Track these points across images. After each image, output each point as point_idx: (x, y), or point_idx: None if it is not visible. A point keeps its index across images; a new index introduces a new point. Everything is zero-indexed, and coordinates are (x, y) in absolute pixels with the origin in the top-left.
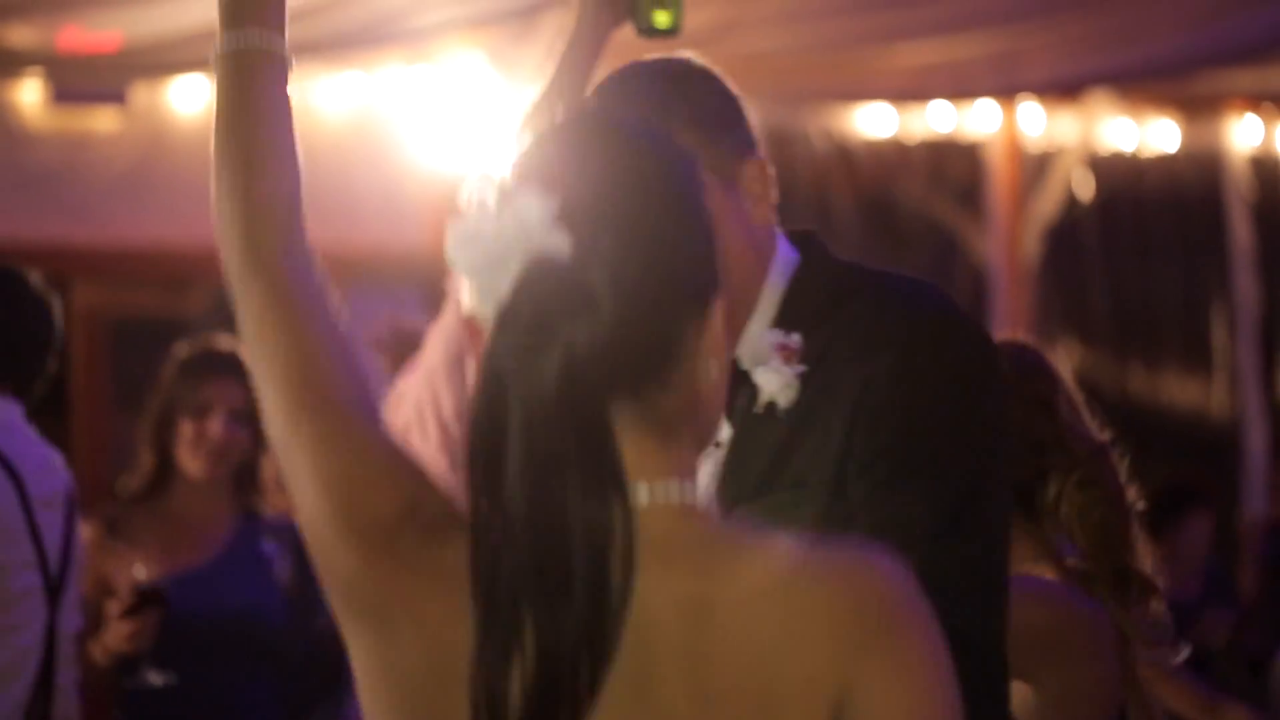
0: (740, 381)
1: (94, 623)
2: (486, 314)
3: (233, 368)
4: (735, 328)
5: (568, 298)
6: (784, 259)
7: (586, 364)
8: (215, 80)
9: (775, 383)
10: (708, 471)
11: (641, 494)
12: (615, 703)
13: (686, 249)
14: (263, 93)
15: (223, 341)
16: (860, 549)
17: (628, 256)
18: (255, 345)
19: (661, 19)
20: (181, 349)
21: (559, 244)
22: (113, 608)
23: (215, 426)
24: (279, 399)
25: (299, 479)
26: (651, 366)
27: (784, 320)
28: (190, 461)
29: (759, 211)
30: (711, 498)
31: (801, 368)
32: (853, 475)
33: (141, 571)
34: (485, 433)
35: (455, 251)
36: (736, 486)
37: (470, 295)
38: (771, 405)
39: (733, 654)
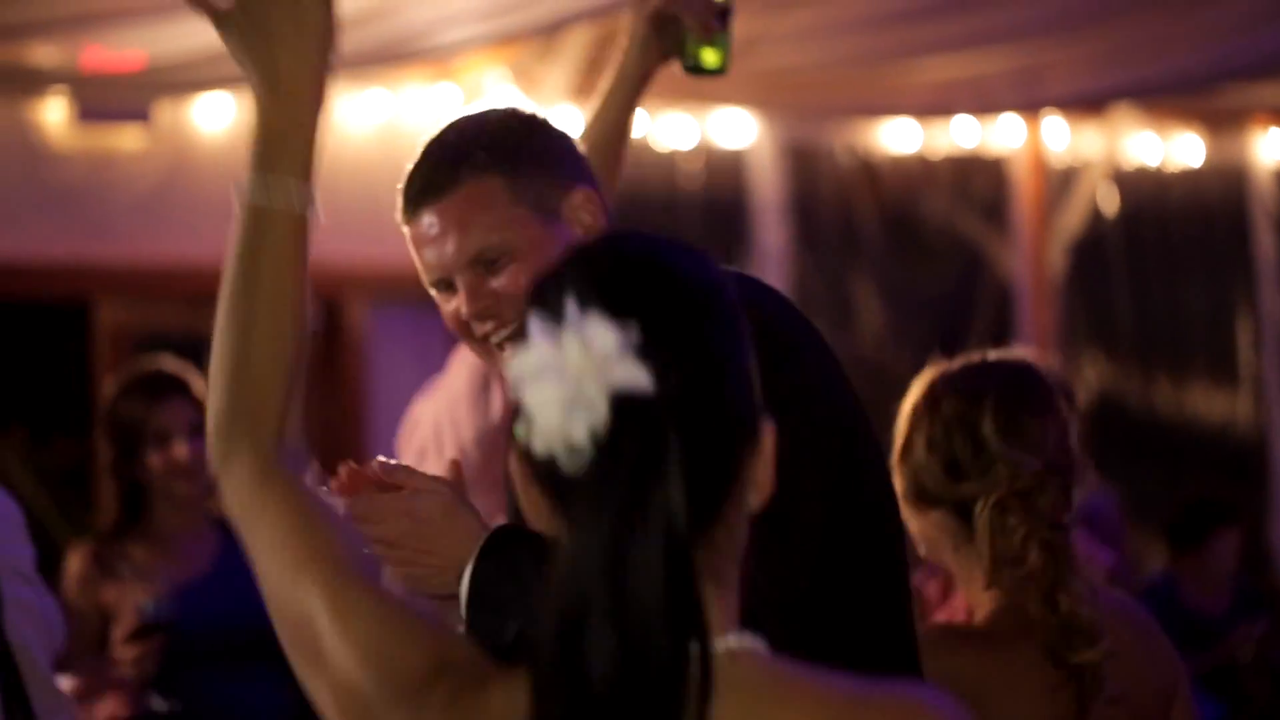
0: None
1: (89, 652)
2: (551, 447)
3: (179, 386)
4: None
5: (660, 444)
6: None
7: (684, 518)
8: (236, 225)
9: None
10: None
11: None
12: None
13: (746, 378)
14: (278, 256)
15: (164, 362)
16: (916, 689)
17: (704, 392)
18: (248, 518)
19: (709, 58)
20: (121, 375)
21: (640, 380)
22: (117, 634)
23: (181, 451)
24: (283, 569)
25: (320, 646)
26: (723, 511)
27: None
28: (169, 487)
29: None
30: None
31: None
32: None
33: (146, 600)
34: (573, 587)
35: (524, 384)
36: None
37: (534, 428)
38: None
39: None
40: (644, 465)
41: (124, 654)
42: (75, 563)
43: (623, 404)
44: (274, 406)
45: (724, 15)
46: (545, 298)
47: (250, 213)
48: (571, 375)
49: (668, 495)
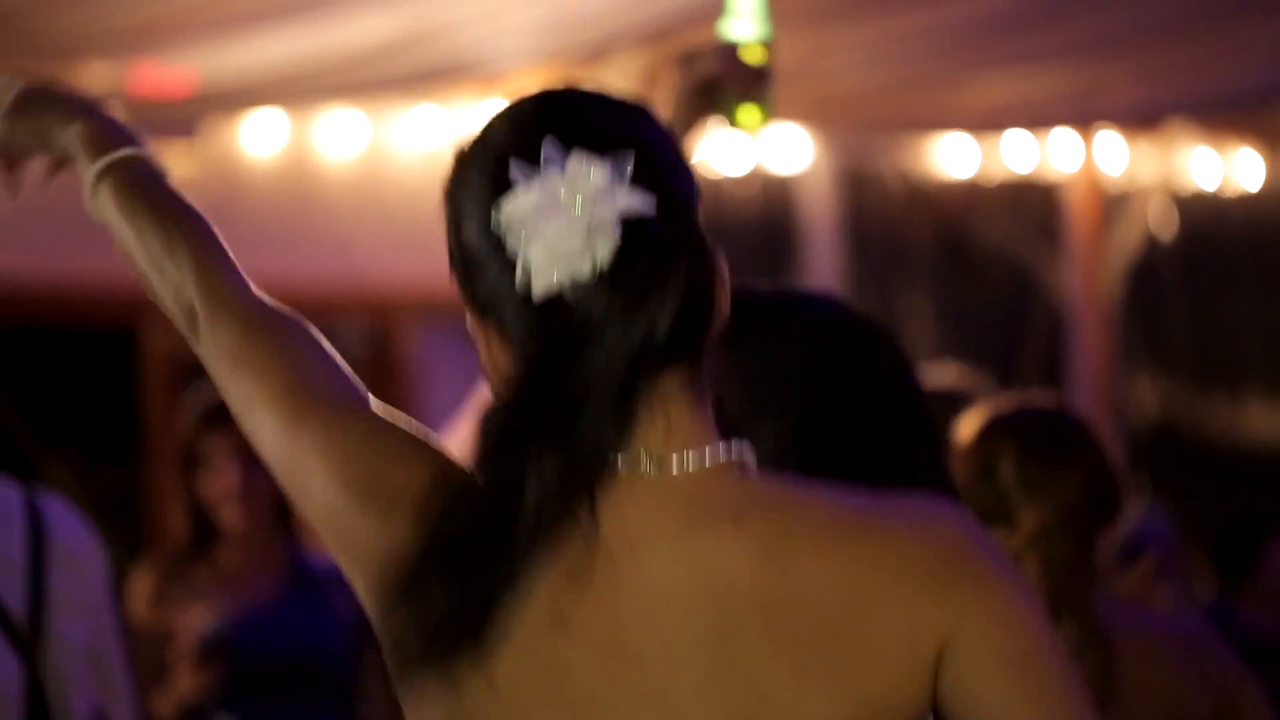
0: None
1: (156, 672)
2: (553, 283)
3: (229, 413)
4: None
5: (660, 263)
6: None
7: (669, 333)
8: (101, 204)
9: None
10: None
11: (690, 460)
12: (696, 662)
13: (699, 207)
14: (150, 188)
15: None
16: (921, 497)
17: (689, 216)
18: (234, 379)
19: (748, 118)
20: (194, 400)
21: (645, 204)
22: (179, 659)
23: (228, 478)
24: (273, 414)
25: (309, 482)
26: (710, 329)
27: None
28: (225, 516)
29: None
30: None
31: None
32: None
33: (207, 621)
34: (548, 381)
35: (529, 224)
36: None
37: (542, 265)
38: None
39: (817, 599)
40: (656, 285)
41: (189, 682)
42: (142, 584)
43: (632, 228)
44: (233, 272)
45: (761, 77)
46: (512, 148)
47: (106, 175)
48: (579, 207)
49: (658, 311)
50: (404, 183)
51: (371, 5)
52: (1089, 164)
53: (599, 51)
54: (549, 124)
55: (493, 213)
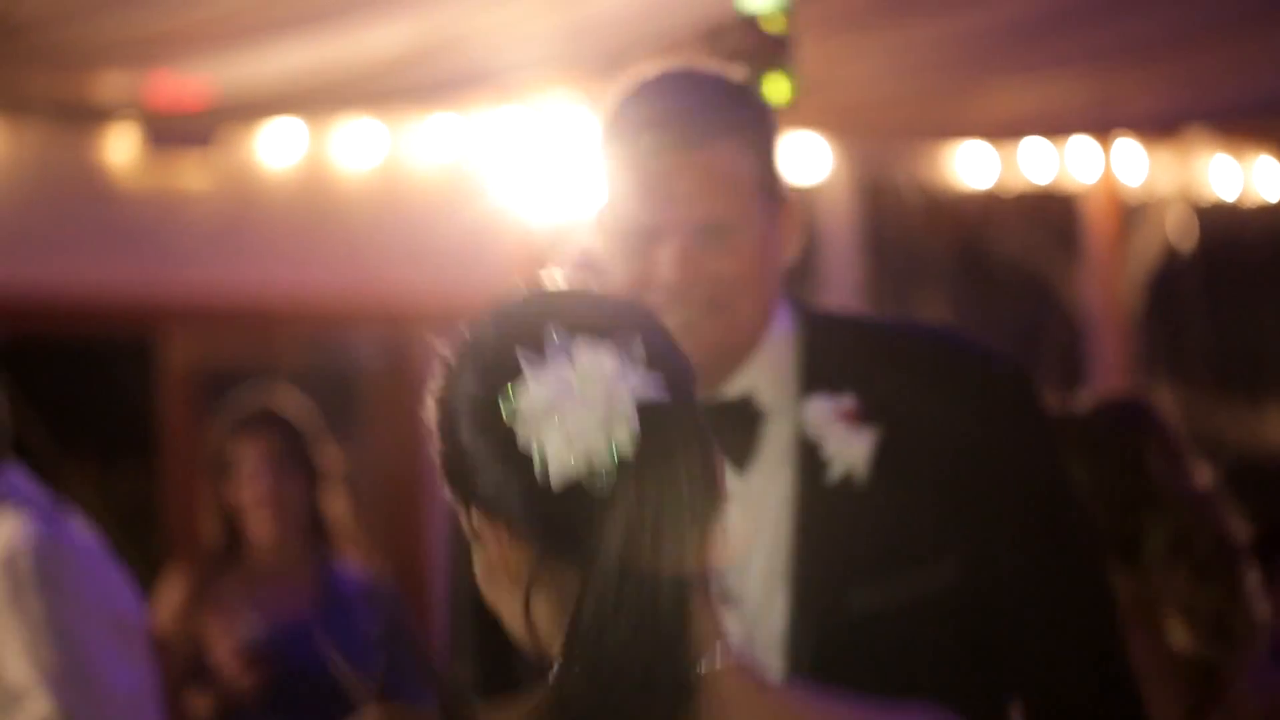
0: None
1: (185, 679)
2: (579, 473)
3: (262, 421)
4: (734, 360)
5: (676, 444)
6: (782, 310)
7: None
8: None
9: (854, 451)
10: (773, 570)
11: (707, 661)
12: None
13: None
14: None
15: (261, 397)
16: (925, 714)
17: (692, 395)
18: None
19: (775, 89)
20: (225, 408)
21: (658, 388)
22: (222, 663)
23: (260, 484)
24: None
25: None
26: (714, 509)
27: (811, 381)
28: (255, 524)
29: (787, 250)
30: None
31: (873, 431)
32: (1005, 536)
33: (250, 627)
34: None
35: (545, 418)
36: (829, 576)
37: (561, 458)
38: (847, 477)
39: None
40: (677, 464)
41: (233, 689)
42: (172, 591)
43: (648, 413)
44: None
45: (783, 45)
46: (517, 339)
47: None
48: (595, 396)
49: (693, 500)
50: (421, 193)
51: (389, 15)
52: (1108, 174)
53: (616, 60)
54: (547, 315)
55: (501, 407)
